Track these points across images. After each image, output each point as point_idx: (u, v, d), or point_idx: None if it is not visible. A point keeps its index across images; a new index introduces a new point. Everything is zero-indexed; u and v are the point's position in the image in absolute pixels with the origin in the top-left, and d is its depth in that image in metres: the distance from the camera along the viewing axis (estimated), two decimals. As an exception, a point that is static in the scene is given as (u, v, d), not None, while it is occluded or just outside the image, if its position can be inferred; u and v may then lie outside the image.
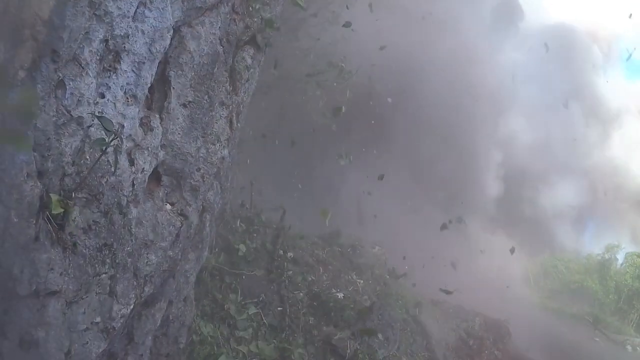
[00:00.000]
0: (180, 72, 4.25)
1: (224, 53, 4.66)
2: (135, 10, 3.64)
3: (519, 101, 17.60)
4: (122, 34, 3.58)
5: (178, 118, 4.31)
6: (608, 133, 22.23)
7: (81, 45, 3.33)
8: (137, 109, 3.87)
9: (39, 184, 3.24)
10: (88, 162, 3.47)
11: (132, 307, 4.09)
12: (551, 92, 19.71)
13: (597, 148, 21.52)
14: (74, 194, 3.45)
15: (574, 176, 20.28)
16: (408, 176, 13.74)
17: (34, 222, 3.24)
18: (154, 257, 4.22)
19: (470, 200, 15.06)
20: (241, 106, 5.21)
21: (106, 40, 3.50)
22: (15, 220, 3.17)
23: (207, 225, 5.52)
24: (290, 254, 8.27)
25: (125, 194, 3.83)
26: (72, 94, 3.33)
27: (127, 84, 3.72)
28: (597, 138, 21.69)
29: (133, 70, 3.74)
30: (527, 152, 18.11)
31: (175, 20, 4.06)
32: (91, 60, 3.42)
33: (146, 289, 4.26)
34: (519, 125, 17.70)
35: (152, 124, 4.08)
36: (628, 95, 23.39)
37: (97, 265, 3.70)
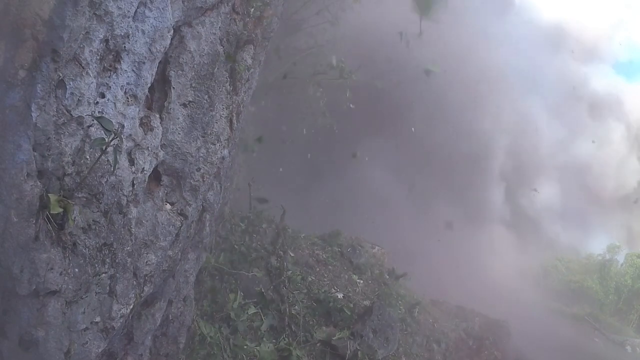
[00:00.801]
0: (180, 72, 4.26)
1: (224, 53, 4.66)
2: (136, 10, 3.64)
3: (513, 100, 17.63)
4: (122, 33, 3.58)
5: (178, 118, 4.31)
6: (595, 132, 22.25)
7: (81, 45, 3.33)
8: (137, 109, 3.87)
9: (39, 183, 3.25)
10: (88, 162, 3.47)
11: (131, 306, 4.10)
12: (543, 90, 19.75)
13: (588, 147, 21.54)
14: (74, 193, 3.45)
15: (564, 175, 20.33)
16: (412, 173, 13.76)
17: (34, 221, 3.24)
18: (153, 257, 4.22)
19: (472, 198, 15.10)
20: (241, 106, 5.21)
21: (106, 40, 3.50)
22: (15, 219, 3.17)
23: (207, 225, 5.52)
24: (291, 255, 8.27)
25: (125, 193, 3.84)
26: (72, 93, 3.33)
27: (128, 83, 3.73)
28: (586, 136, 21.70)
29: (133, 70, 3.74)
30: (520, 150, 18.14)
31: (176, 20, 4.06)
32: (91, 60, 3.42)
33: (146, 289, 4.26)
34: (512, 123, 17.71)
35: (152, 123, 4.08)
36: (613, 94, 23.48)
37: (96, 265, 3.70)
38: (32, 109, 3.14)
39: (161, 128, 4.18)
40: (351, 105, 10.68)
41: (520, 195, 19.05)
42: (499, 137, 16.99)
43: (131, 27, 3.64)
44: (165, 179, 4.35)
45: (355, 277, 8.95)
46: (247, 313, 6.92)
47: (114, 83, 3.62)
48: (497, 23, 17.09)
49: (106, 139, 3.29)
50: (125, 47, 3.63)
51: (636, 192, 22.14)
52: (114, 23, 3.50)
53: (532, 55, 18.82)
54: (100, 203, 3.64)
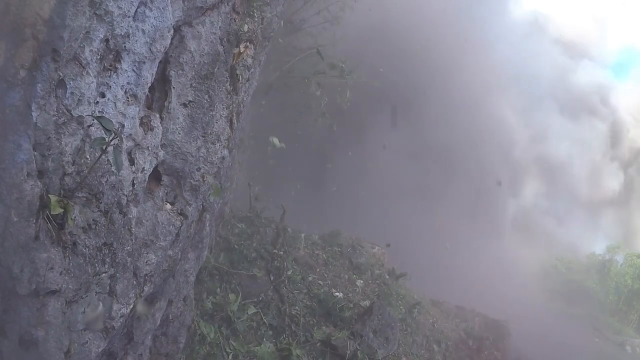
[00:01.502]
0: (180, 71, 4.25)
1: (224, 53, 4.66)
2: (136, 10, 3.64)
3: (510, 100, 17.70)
4: (122, 33, 3.57)
5: (178, 118, 4.31)
6: (582, 130, 22.29)
7: (82, 45, 3.33)
8: (138, 109, 3.87)
9: (39, 183, 3.24)
10: (88, 162, 3.47)
11: (131, 306, 4.09)
12: (531, 87, 19.80)
13: (569, 145, 21.58)
14: (74, 193, 3.45)
15: (563, 174, 20.36)
16: (412, 172, 13.80)
17: (34, 221, 3.24)
18: (153, 257, 4.22)
19: (471, 198, 15.14)
20: (241, 106, 5.21)
21: (107, 40, 3.50)
22: (15, 219, 3.17)
23: (207, 225, 5.52)
24: (291, 255, 8.27)
25: (125, 193, 3.83)
26: (72, 93, 3.33)
27: (128, 83, 3.72)
28: (566, 135, 21.74)
29: (133, 70, 3.74)
30: (517, 150, 18.19)
31: (176, 19, 4.06)
32: (92, 59, 3.42)
33: (146, 289, 4.26)
34: (507, 123, 17.75)
35: (152, 123, 4.08)
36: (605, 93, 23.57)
37: (96, 265, 3.70)
38: (33, 108, 3.14)
39: (161, 128, 4.18)
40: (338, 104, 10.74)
41: (518, 196, 19.09)
42: (495, 137, 17.03)
43: (131, 27, 3.64)
44: (165, 179, 4.35)
45: (355, 277, 8.95)
46: (247, 313, 6.92)
47: (114, 83, 3.62)
48: (495, 22, 17.14)
49: (106, 139, 3.29)
50: (125, 46, 3.63)
51: (624, 192, 22.25)
52: (114, 23, 3.49)
53: (530, 56, 18.90)
54: (100, 203, 3.64)
